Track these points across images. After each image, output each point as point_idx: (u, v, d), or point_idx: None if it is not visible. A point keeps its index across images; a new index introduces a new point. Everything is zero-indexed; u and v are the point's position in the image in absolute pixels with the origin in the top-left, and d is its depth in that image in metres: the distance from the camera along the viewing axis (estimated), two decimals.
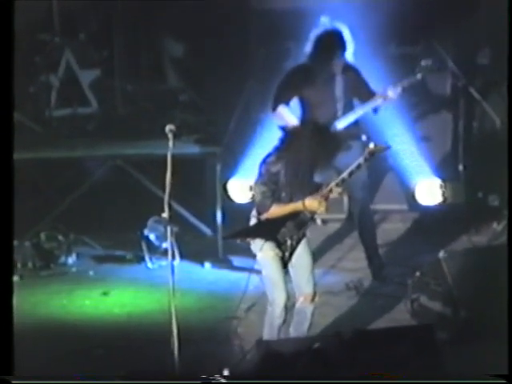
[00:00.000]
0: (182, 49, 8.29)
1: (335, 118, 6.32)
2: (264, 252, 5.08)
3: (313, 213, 5.09)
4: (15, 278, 6.78)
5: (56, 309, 6.17)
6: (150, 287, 6.46)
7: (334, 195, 5.12)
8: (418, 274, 5.75)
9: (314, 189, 5.10)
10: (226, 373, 4.67)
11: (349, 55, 6.34)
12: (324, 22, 6.40)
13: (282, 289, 5.07)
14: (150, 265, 7.02)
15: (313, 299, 5.18)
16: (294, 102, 6.47)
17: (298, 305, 5.18)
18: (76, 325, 5.85)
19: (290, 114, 6.39)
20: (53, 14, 8.13)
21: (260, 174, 5.07)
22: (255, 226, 5.10)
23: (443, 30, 7.44)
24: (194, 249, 7.20)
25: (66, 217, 7.35)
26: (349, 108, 6.36)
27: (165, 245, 6.86)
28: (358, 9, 6.86)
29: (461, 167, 7.69)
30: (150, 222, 7.08)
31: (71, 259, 7.12)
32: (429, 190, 7.42)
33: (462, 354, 5.05)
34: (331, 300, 6.16)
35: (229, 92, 7.84)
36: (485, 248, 6.69)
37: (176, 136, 5.08)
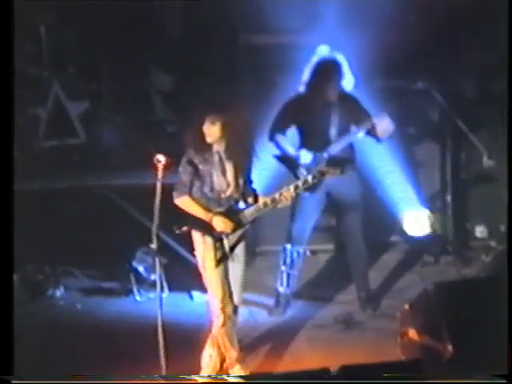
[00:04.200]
0: (170, 81, 8.33)
1: (329, 144, 6.34)
2: (204, 250, 5.17)
3: (221, 231, 5.17)
4: None
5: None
6: (139, 320, 6.42)
7: (271, 206, 5.20)
8: (406, 306, 5.73)
9: (250, 196, 5.23)
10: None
11: (346, 83, 6.39)
12: (321, 51, 6.46)
13: (220, 294, 5.16)
14: (138, 297, 6.98)
15: (234, 311, 5.25)
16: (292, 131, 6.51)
17: (212, 307, 5.24)
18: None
19: (286, 143, 6.42)
20: (41, 47, 8.18)
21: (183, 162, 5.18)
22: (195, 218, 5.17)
23: (431, 62, 7.50)
24: (182, 280, 7.18)
25: (53, 248, 7.31)
26: (344, 135, 6.38)
27: (153, 277, 6.84)
28: (343, 42, 6.90)
29: (449, 198, 7.73)
30: (139, 254, 7.06)
31: (59, 292, 7.09)
32: (417, 221, 7.45)
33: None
34: (320, 333, 6.14)
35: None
36: (473, 280, 6.69)
37: (164, 167, 5.13)
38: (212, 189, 5.21)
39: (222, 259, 5.21)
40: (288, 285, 6.56)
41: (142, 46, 8.00)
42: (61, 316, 6.69)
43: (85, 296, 7.07)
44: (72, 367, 5.53)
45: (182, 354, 5.46)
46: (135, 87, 8.22)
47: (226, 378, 5.25)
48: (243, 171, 5.26)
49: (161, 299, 5.16)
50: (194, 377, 5.27)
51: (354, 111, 6.38)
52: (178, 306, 6.73)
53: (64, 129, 8.24)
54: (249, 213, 5.24)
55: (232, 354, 5.31)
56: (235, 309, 5.28)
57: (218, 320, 5.24)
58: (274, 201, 5.21)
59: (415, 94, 7.45)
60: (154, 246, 5.28)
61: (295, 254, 6.51)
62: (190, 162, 5.20)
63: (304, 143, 6.43)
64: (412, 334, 5.56)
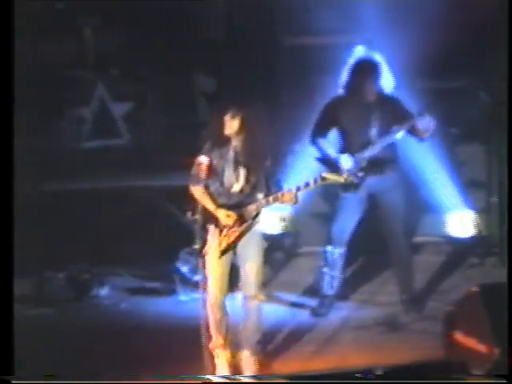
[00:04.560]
0: (213, 83, 8.36)
1: (370, 145, 6.31)
2: (210, 238, 5.32)
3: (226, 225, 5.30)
4: (48, 310, 6.85)
5: None
6: (182, 320, 6.44)
7: (273, 204, 5.31)
8: (451, 308, 5.67)
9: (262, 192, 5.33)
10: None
11: (385, 83, 6.35)
12: (358, 52, 6.43)
13: (215, 283, 5.31)
14: (182, 297, 7.01)
15: (255, 298, 5.36)
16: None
17: (241, 302, 5.40)
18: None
19: (327, 146, 6.41)
20: (86, 49, 8.27)
21: (205, 150, 5.36)
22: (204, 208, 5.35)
23: (473, 61, 7.43)
24: None
25: (98, 248, 7.38)
26: (385, 135, 6.35)
27: (197, 277, 6.86)
28: (385, 43, 6.86)
29: (494, 199, 7.63)
30: (182, 254, 7.09)
31: (103, 291, 7.15)
32: (462, 222, 7.37)
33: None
34: (362, 335, 6.11)
35: (260, 125, 7.87)
36: None
37: (207, 168, 5.18)
38: (222, 183, 5.35)
39: (226, 250, 5.35)
40: (330, 286, 6.53)
41: (186, 47, 8.05)
42: (105, 315, 6.74)
43: (129, 296, 7.13)
44: (114, 365, 5.58)
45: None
46: (178, 89, 8.27)
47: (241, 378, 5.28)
48: (256, 168, 5.36)
49: (204, 300, 5.18)
50: (207, 376, 5.27)
51: (394, 111, 6.34)
52: None
53: (108, 130, 8.32)
54: (252, 209, 5.35)
55: (218, 340, 5.38)
56: (255, 296, 5.37)
57: (209, 306, 5.35)
58: (275, 199, 5.31)
59: (458, 93, 7.38)
60: (197, 246, 5.32)
61: (336, 256, 6.49)
62: (207, 155, 5.36)
63: (345, 145, 6.41)
64: (457, 336, 5.50)
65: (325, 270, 6.52)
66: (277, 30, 7.82)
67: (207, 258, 5.38)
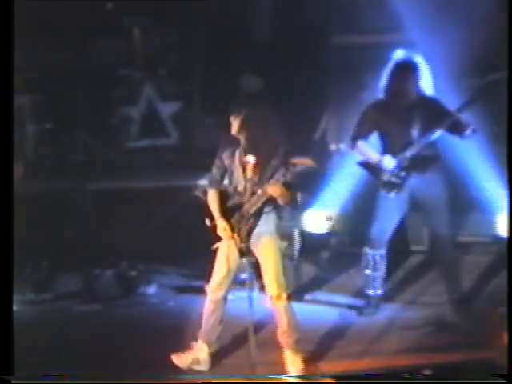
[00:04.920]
0: (259, 82, 8.38)
1: (410, 145, 6.28)
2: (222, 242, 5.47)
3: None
4: (96, 306, 6.93)
5: None
6: (229, 318, 6.46)
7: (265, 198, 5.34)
8: (499, 309, 5.62)
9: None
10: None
11: (425, 84, 6.31)
12: (398, 55, 6.40)
13: (215, 282, 5.51)
14: (229, 296, 7.01)
15: (278, 298, 5.40)
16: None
17: (269, 303, 5.50)
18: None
19: (369, 149, 6.39)
20: (134, 49, 8.35)
21: (220, 152, 5.50)
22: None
23: None
24: None
25: (146, 246, 7.44)
26: (426, 136, 6.30)
27: (243, 276, 6.87)
28: (434, 41, 6.82)
29: None
30: None
31: (151, 289, 7.21)
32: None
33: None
34: (410, 335, 6.07)
35: (306, 124, 7.88)
36: None
37: (253, 167, 5.21)
38: (231, 182, 5.47)
39: (240, 251, 5.47)
40: (375, 287, 6.52)
41: (233, 47, 8.08)
42: (152, 313, 6.79)
43: (176, 294, 7.18)
44: (160, 362, 5.62)
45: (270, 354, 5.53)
46: (225, 88, 8.31)
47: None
48: (261, 167, 5.39)
49: (250, 298, 5.20)
50: (283, 376, 5.30)
51: (434, 110, 6.28)
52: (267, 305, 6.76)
53: (156, 129, 8.39)
54: (248, 206, 5.43)
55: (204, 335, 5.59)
56: (279, 294, 5.44)
57: (208, 301, 5.57)
58: (264, 193, 5.36)
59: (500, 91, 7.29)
60: (243, 245, 5.34)
61: (377, 257, 6.46)
62: (220, 157, 5.50)
63: (386, 147, 6.37)
64: (506, 336, 5.46)
65: (367, 272, 6.51)
66: (324, 29, 7.81)
67: (217, 254, 5.54)
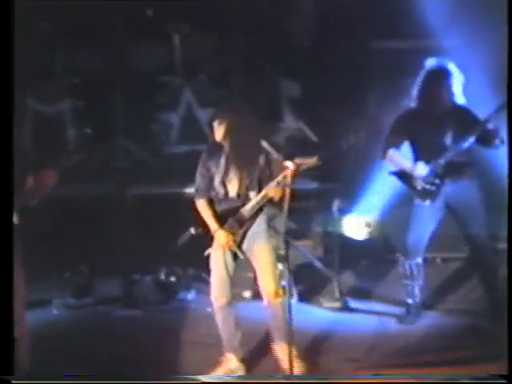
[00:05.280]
0: (299, 87, 8.38)
1: (443, 153, 6.23)
2: (214, 247, 5.54)
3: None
4: (135, 312, 6.97)
5: None
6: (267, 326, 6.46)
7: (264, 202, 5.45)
8: None
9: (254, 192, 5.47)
10: None
11: (458, 93, 6.25)
12: (430, 63, 6.33)
13: (216, 288, 5.54)
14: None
15: (276, 295, 5.47)
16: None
17: (264, 301, 5.55)
18: None
19: (401, 158, 6.35)
20: (174, 56, 8.40)
21: (202, 160, 5.57)
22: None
23: None
24: (309, 287, 7.18)
25: (186, 252, 7.46)
26: (459, 143, 6.24)
27: (283, 282, 6.85)
28: (474, 46, 6.76)
29: None
30: None
31: (190, 295, 7.23)
32: None
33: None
34: (449, 343, 6.02)
35: (346, 130, 7.86)
36: None
37: (293, 173, 5.21)
38: (218, 190, 5.52)
39: (234, 255, 5.57)
40: (414, 296, 6.47)
41: (272, 52, 8.09)
42: (190, 318, 6.81)
43: None
44: (201, 367, 5.64)
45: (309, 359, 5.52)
46: (265, 94, 8.32)
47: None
48: (248, 171, 5.49)
49: (289, 305, 5.19)
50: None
51: (466, 119, 6.21)
52: (306, 313, 6.75)
53: (195, 135, 8.42)
54: (246, 210, 5.50)
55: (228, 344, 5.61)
56: (276, 291, 5.51)
57: (215, 310, 5.60)
58: (264, 197, 5.45)
59: None
60: (282, 251, 5.34)
61: (414, 267, 6.42)
62: (205, 166, 5.55)
63: (418, 156, 6.33)
64: None
65: (405, 281, 6.47)
66: (363, 34, 7.79)
67: (210, 261, 5.61)
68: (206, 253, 5.67)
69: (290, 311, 5.16)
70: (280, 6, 8.08)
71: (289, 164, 5.35)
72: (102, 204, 7.62)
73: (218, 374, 5.58)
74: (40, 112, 8.38)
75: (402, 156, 6.38)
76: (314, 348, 5.99)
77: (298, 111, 8.37)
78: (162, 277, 7.16)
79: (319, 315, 6.78)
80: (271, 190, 5.40)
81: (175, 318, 6.76)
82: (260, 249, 5.57)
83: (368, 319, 6.57)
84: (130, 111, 8.45)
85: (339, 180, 7.40)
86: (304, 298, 6.97)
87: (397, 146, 6.37)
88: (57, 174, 5.26)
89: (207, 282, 7.37)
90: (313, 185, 7.43)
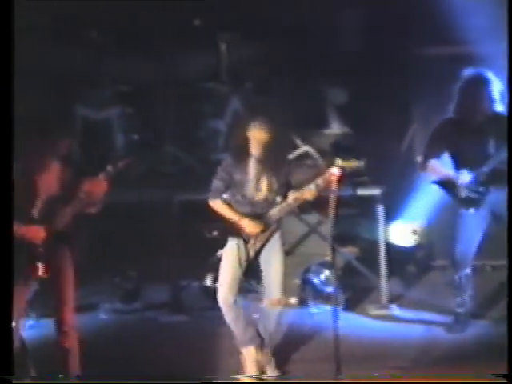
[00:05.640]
0: (345, 94, 8.37)
1: (486, 161, 6.18)
2: (227, 247, 5.59)
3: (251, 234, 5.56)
4: (182, 317, 7.02)
5: None
6: (313, 333, 6.46)
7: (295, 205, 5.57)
8: None
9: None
10: None
11: (497, 101, 6.19)
12: (468, 72, 6.28)
13: (226, 287, 5.58)
14: (313, 309, 7.01)
15: (278, 302, 5.54)
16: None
17: (262, 305, 5.61)
18: None
19: (442, 167, 6.31)
20: (221, 64, 8.46)
21: (225, 164, 5.64)
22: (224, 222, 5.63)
23: None
24: (355, 294, 7.16)
25: None
26: (500, 151, 6.18)
27: (329, 289, 6.85)
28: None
29: None
30: (314, 266, 7.09)
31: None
32: None
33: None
34: (497, 352, 5.95)
35: (392, 136, 7.84)
36: None
37: (338, 179, 5.23)
38: (244, 196, 5.57)
39: (246, 261, 5.61)
40: (463, 305, 6.43)
41: (317, 59, 8.09)
42: None
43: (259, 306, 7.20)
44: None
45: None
46: (311, 101, 8.32)
47: None
48: (278, 175, 5.56)
49: (336, 312, 5.19)
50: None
51: (506, 127, 6.13)
52: (352, 320, 6.74)
53: None
54: (274, 214, 5.56)
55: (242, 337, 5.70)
56: (278, 300, 5.60)
57: (224, 308, 5.65)
58: (297, 200, 5.51)
59: None
60: (329, 258, 5.35)
61: (464, 278, 6.37)
62: (227, 170, 5.60)
63: (460, 166, 6.28)
64: None
65: (454, 291, 6.43)
66: (409, 39, 7.75)
67: (222, 264, 5.64)
68: (219, 253, 5.69)
69: (336, 318, 5.16)
70: (327, 14, 8.08)
71: (334, 170, 5.36)
72: (149, 210, 7.69)
73: (250, 369, 5.64)
74: (89, 118, 8.49)
75: (443, 165, 6.34)
76: (360, 356, 5.98)
77: (344, 117, 8.36)
78: (209, 283, 7.20)
79: (365, 322, 6.77)
80: (306, 192, 5.45)
81: (221, 324, 6.80)
82: (275, 259, 5.63)
83: (415, 328, 6.54)
84: (177, 118, 8.52)
85: (385, 186, 7.38)
86: (350, 305, 6.96)
87: (437, 156, 6.33)
88: (107, 181, 5.33)
89: (253, 289, 7.45)
90: (359, 191, 7.41)
